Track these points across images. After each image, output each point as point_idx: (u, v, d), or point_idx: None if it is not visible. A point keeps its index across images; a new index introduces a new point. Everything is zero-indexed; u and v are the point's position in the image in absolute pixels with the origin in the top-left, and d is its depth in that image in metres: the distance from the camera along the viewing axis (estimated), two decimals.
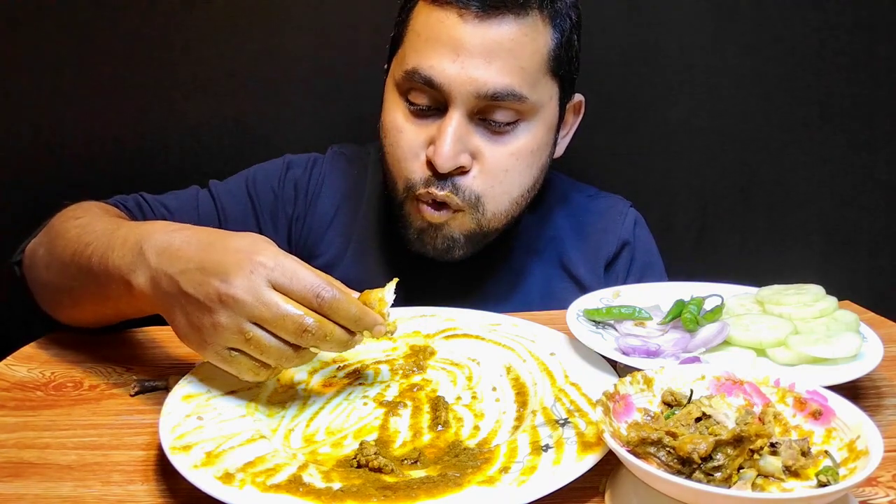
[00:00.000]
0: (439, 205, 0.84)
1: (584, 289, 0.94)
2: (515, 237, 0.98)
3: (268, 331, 0.57)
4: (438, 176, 0.83)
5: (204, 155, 1.19)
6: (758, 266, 1.28)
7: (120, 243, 0.67)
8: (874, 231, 1.30)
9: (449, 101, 0.81)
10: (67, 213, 0.82)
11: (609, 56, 1.20)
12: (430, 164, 0.83)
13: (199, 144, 1.19)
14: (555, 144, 0.92)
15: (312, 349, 0.60)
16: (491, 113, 0.82)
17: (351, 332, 0.60)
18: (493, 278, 0.97)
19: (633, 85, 1.22)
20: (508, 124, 0.83)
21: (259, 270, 0.57)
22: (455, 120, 0.81)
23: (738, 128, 1.24)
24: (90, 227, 0.74)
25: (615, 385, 0.55)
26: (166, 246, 0.62)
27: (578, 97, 0.95)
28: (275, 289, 0.57)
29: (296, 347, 0.59)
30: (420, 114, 0.85)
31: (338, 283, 0.60)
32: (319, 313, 0.58)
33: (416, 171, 0.85)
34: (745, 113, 1.23)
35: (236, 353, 0.59)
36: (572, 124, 0.96)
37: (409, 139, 0.85)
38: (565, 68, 0.88)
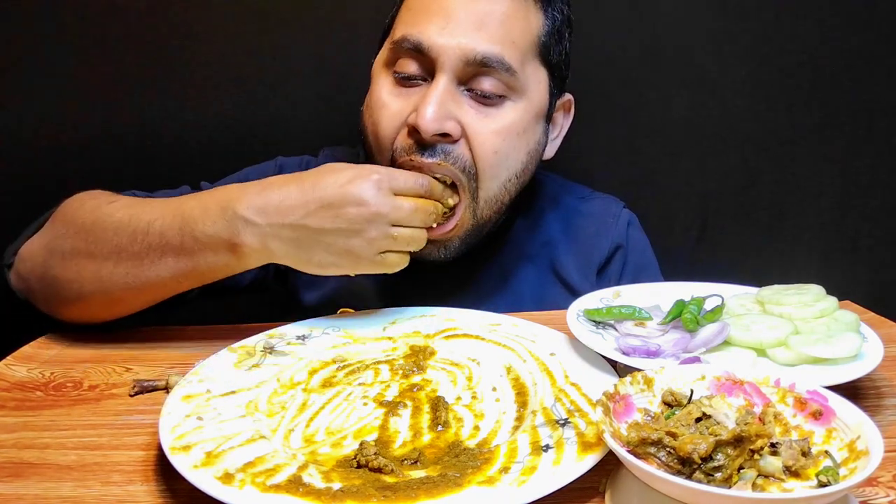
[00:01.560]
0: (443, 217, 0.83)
1: (575, 294, 0.93)
2: (507, 242, 0.97)
3: (405, 226, 0.73)
4: (423, 144, 0.81)
5: (203, 155, 1.19)
6: (758, 266, 1.28)
7: (200, 213, 0.72)
8: (874, 231, 1.30)
9: (436, 66, 0.81)
10: (88, 203, 0.81)
11: (609, 56, 1.20)
12: (412, 132, 0.81)
13: (199, 145, 1.19)
14: (545, 140, 0.91)
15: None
16: (478, 82, 0.82)
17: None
18: (485, 283, 0.96)
19: (634, 85, 1.22)
20: (497, 96, 0.83)
21: (381, 184, 0.72)
22: (442, 83, 0.80)
23: (739, 128, 1.24)
24: (141, 207, 0.77)
25: (615, 385, 0.55)
26: (266, 203, 0.71)
27: (568, 96, 0.94)
28: (395, 193, 0.73)
29: (425, 228, 0.76)
30: (405, 83, 0.84)
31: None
32: (425, 198, 0.76)
33: (398, 140, 0.83)
34: (745, 113, 1.23)
35: (388, 255, 0.74)
36: (563, 125, 0.96)
37: (393, 111, 0.83)
38: (555, 59, 0.88)
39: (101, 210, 0.78)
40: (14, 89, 1.14)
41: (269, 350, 0.72)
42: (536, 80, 0.86)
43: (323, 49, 1.17)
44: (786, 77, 1.22)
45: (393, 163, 0.83)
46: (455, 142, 0.82)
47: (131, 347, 0.80)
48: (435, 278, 0.92)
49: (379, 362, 0.74)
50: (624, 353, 0.67)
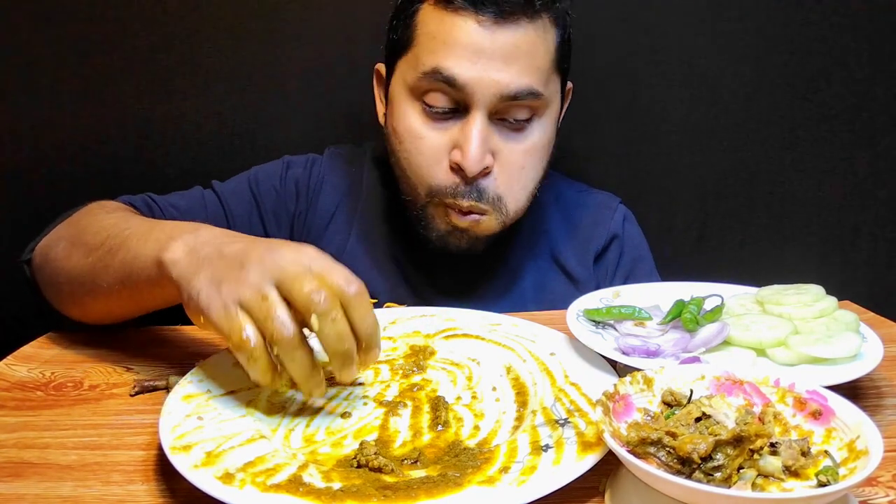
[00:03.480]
0: (465, 212, 0.86)
1: (574, 282, 0.96)
2: (513, 235, 0.99)
3: (282, 300, 0.55)
4: (465, 181, 0.84)
5: (202, 155, 1.19)
6: (758, 266, 1.28)
7: (160, 229, 0.67)
8: (874, 231, 1.30)
9: (471, 102, 0.82)
10: (95, 210, 0.82)
11: (609, 56, 1.20)
12: (454, 169, 0.84)
13: (198, 145, 1.19)
14: (555, 139, 0.94)
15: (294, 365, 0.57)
16: (509, 112, 0.84)
17: (353, 349, 0.58)
18: (489, 273, 0.99)
19: (633, 85, 1.22)
20: (524, 121, 0.85)
21: (307, 251, 0.58)
22: (479, 121, 0.82)
23: (738, 127, 1.24)
24: (129, 220, 0.75)
25: (615, 385, 0.55)
26: (210, 232, 0.63)
27: (569, 84, 0.96)
28: (313, 271, 0.56)
29: (296, 332, 0.56)
30: (438, 117, 0.85)
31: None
32: (344, 308, 0.57)
33: (440, 176, 0.85)
34: (745, 112, 1.23)
35: (240, 313, 0.55)
36: (563, 109, 0.98)
37: (430, 145, 0.85)
38: (566, 62, 0.91)
39: (94, 217, 0.78)
40: (14, 89, 1.14)
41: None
42: (555, 91, 0.89)
43: (323, 49, 1.17)
44: (786, 77, 1.22)
45: (434, 196, 0.86)
46: (489, 173, 0.85)
47: (132, 347, 0.80)
48: (440, 268, 0.95)
49: (379, 362, 0.74)
50: (624, 353, 0.67)
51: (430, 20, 0.84)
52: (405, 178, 0.89)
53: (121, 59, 1.14)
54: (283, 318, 0.55)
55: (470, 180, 0.84)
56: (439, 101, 0.84)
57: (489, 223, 0.88)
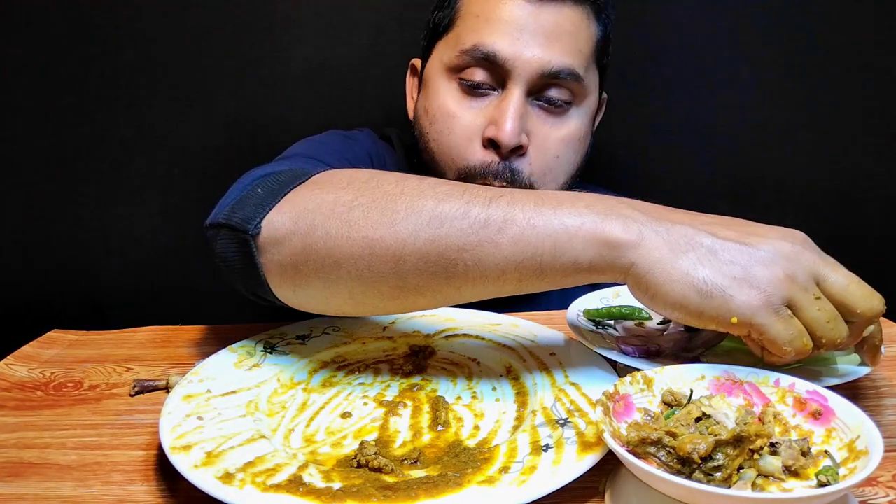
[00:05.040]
0: None
1: (596, 285, 0.96)
2: None
3: (826, 324, 0.52)
4: (500, 156, 0.82)
5: (204, 155, 1.19)
6: None
7: (565, 197, 0.57)
8: (874, 231, 1.30)
9: (509, 77, 0.82)
10: (379, 174, 0.63)
11: (608, 56, 1.20)
12: (488, 144, 0.83)
13: (199, 145, 1.19)
14: (591, 138, 0.95)
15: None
16: (547, 91, 0.84)
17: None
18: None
19: (632, 84, 1.22)
20: (563, 104, 0.85)
21: (825, 260, 0.55)
22: (517, 97, 0.82)
23: (738, 127, 1.24)
24: (462, 186, 0.60)
25: (615, 385, 0.55)
26: (652, 208, 0.57)
27: (604, 95, 0.98)
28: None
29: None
30: (474, 92, 0.84)
31: None
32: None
33: (473, 155, 0.84)
34: (744, 112, 1.23)
35: (790, 313, 0.52)
36: (596, 121, 0.99)
37: (463, 123, 0.84)
38: (605, 61, 0.92)
39: (409, 181, 0.61)
40: (14, 89, 1.14)
41: (270, 350, 0.72)
42: (594, 85, 0.90)
43: (324, 49, 1.17)
44: (786, 77, 1.22)
45: (465, 179, 0.83)
46: (523, 154, 0.84)
47: (132, 347, 0.80)
48: None
49: (379, 362, 0.74)
50: (624, 353, 0.67)
51: (475, 1, 0.85)
52: (434, 162, 0.88)
53: (121, 58, 1.14)
54: (838, 326, 0.53)
55: (505, 155, 0.82)
56: (477, 75, 0.84)
57: None
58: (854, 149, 1.26)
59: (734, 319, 0.52)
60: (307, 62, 1.17)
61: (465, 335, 0.77)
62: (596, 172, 1.20)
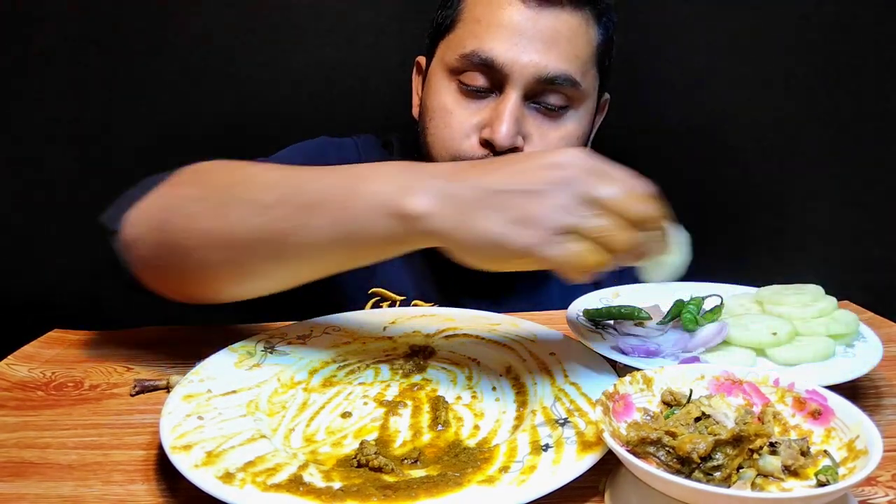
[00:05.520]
0: None
1: (598, 284, 0.96)
2: None
3: (608, 214, 0.53)
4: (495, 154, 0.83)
5: (204, 155, 1.19)
6: (758, 266, 1.28)
7: (370, 172, 0.59)
8: (874, 231, 1.30)
9: (507, 81, 0.83)
10: (222, 166, 0.69)
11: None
12: (484, 145, 0.84)
13: (199, 145, 1.19)
14: (590, 138, 0.95)
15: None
16: (544, 96, 0.85)
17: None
18: (517, 274, 0.98)
19: (632, 85, 1.22)
20: (559, 109, 0.86)
21: (590, 158, 0.55)
22: (513, 100, 0.83)
23: (738, 127, 1.24)
24: (293, 170, 0.64)
25: (615, 385, 0.55)
26: (452, 167, 0.59)
27: (606, 96, 0.98)
28: (615, 180, 0.54)
29: (631, 238, 0.55)
30: (472, 95, 0.86)
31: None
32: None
33: (468, 150, 0.85)
34: (744, 112, 1.24)
35: (567, 237, 0.53)
36: (598, 121, 0.99)
37: (460, 120, 0.86)
38: (606, 64, 0.92)
39: (242, 171, 0.67)
40: (14, 89, 1.14)
41: (270, 350, 0.72)
42: (593, 87, 0.90)
43: (324, 49, 1.17)
44: (785, 77, 1.22)
45: None
46: None
47: (132, 347, 0.80)
48: (469, 271, 0.93)
49: (379, 362, 0.74)
50: (623, 353, 0.67)
51: (477, 3, 0.86)
52: (430, 157, 0.89)
53: (121, 58, 1.14)
54: (615, 231, 0.54)
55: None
56: (476, 80, 0.85)
57: None
58: (854, 148, 1.26)
59: (524, 258, 0.55)
60: (307, 63, 1.17)
61: (465, 335, 0.77)
62: None
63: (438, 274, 0.97)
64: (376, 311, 0.84)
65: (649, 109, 1.23)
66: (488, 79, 0.84)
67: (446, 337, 0.78)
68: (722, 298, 0.75)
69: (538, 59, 0.82)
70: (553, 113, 0.86)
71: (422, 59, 0.96)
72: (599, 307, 0.76)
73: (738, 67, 1.21)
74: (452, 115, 0.86)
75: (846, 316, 0.69)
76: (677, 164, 1.25)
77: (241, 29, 1.15)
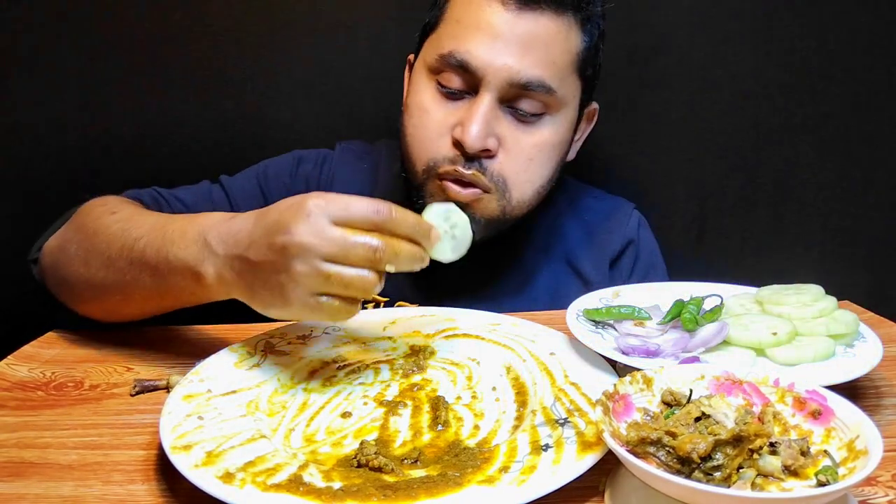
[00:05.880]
0: (465, 184, 0.85)
1: (588, 285, 0.97)
2: (525, 236, 0.99)
3: (343, 264, 0.59)
4: (465, 156, 0.84)
5: (204, 155, 1.19)
6: (758, 266, 1.28)
7: (178, 236, 0.67)
8: (874, 231, 1.30)
9: (481, 84, 0.83)
10: (97, 209, 0.80)
11: (609, 56, 1.19)
12: (456, 145, 0.84)
13: (199, 145, 1.19)
14: (570, 145, 0.94)
15: (388, 269, 0.62)
16: (519, 101, 0.84)
17: (417, 244, 0.63)
18: (502, 275, 0.98)
19: (633, 85, 1.22)
20: (535, 115, 0.85)
21: (315, 212, 0.59)
22: (486, 103, 0.83)
23: (738, 127, 1.24)
24: (134, 222, 0.74)
25: (615, 385, 0.55)
26: (227, 232, 0.64)
27: (594, 105, 0.98)
28: (335, 224, 0.59)
29: (374, 272, 0.61)
30: (449, 96, 0.86)
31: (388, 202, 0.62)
32: (383, 233, 0.60)
33: (440, 149, 0.85)
34: (744, 112, 1.23)
35: (323, 299, 0.60)
36: (585, 130, 0.99)
37: (435, 119, 0.86)
38: (589, 71, 0.91)
39: (101, 220, 0.77)
40: (15, 89, 1.14)
41: (270, 350, 0.72)
42: (572, 95, 0.89)
43: (324, 49, 1.17)
44: (785, 76, 1.22)
45: (433, 169, 0.85)
46: (493, 156, 0.85)
47: (132, 347, 0.80)
48: (453, 268, 0.93)
49: (379, 362, 0.74)
50: (623, 353, 0.67)
51: (459, 4, 0.86)
52: (407, 154, 0.89)
53: (121, 58, 1.14)
54: (355, 273, 0.60)
55: (470, 157, 0.83)
56: (452, 81, 0.85)
57: (490, 204, 0.86)
58: (854, 148, 1.26)
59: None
60: (307, 62, 1.17)
61: (465, 335, 0.77)
62: (596, 172, 1.20)
63: (419, 275, 0.96)
64: (376, 311, 0.84)
65: (649, 110, 1.23)
66: (464, 80, 0.84)
67: (446, 337, 0.78)
68: (722, 298, 0.75)
69: (512, 63, 0.82)
70: (528, 118, 0.85)
71: (412, 57, 0.96)
72: (600, 307, 0.76)
73: (738, 66, 1.21)
74: (429, 114, 0.86)
75: (846, 316, 0.69)
76: (678, 164, 1.25)
77: (240, 29, 1.15)
